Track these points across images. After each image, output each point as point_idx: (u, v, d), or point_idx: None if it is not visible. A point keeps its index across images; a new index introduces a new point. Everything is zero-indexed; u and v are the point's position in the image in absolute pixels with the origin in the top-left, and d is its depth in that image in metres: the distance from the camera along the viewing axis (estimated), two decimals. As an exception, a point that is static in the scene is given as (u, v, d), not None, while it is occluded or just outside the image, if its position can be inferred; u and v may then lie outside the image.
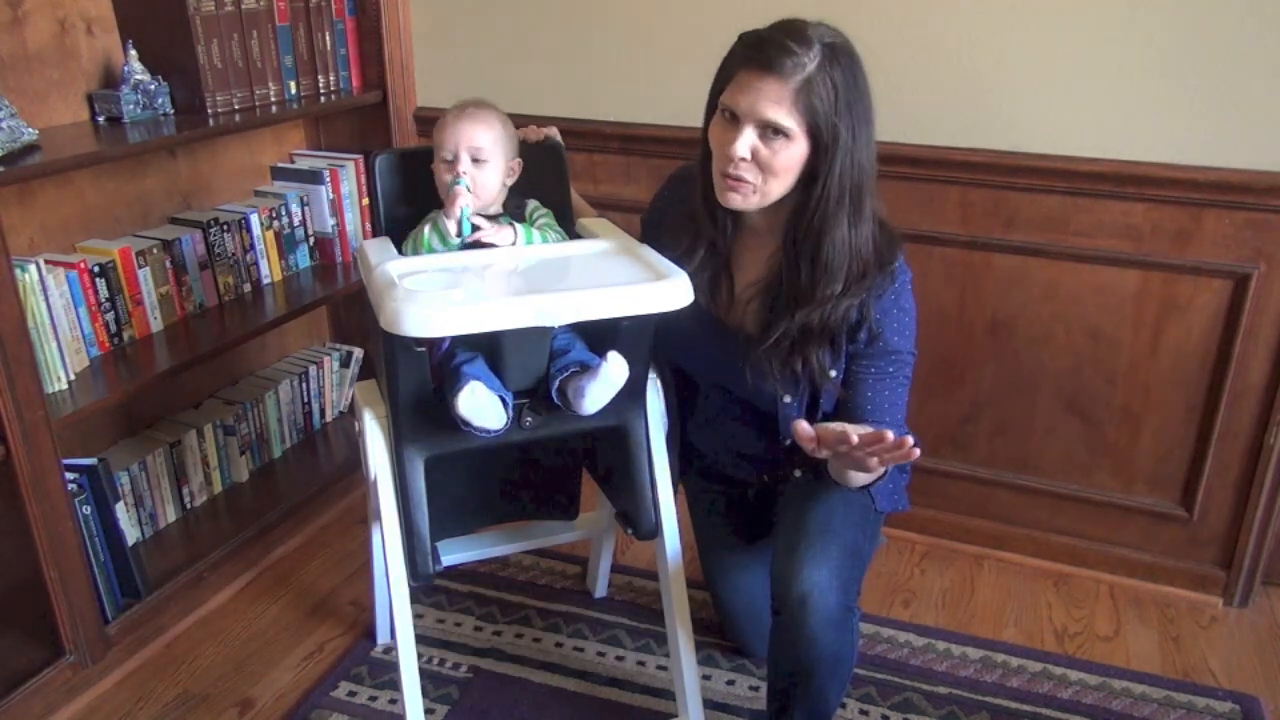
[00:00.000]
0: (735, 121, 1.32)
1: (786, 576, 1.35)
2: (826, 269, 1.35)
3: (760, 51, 1.28)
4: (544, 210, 1.52)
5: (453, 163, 1.41)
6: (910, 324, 1.44)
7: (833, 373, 1.43)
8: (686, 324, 1.28)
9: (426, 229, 1.43)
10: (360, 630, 1.88)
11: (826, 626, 1.33)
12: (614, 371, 1.29)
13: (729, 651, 1.82)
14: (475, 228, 1.40)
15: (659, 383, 1.55)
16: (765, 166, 1.32)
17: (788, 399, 1.45)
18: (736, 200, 1.36)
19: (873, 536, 1.51)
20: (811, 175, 1.32)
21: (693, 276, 1.33)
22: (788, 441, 1.48)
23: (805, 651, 1.35)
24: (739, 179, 1.34)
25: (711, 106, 1.38)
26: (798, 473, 1.52)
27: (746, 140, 1.31)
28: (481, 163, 1.42)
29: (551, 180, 1.59)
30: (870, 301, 1.38)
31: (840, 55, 1.29)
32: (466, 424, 1.28)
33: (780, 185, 1.34)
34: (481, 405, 1.28)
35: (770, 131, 1.29)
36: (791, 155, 1.30)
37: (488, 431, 1.31)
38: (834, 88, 1.27)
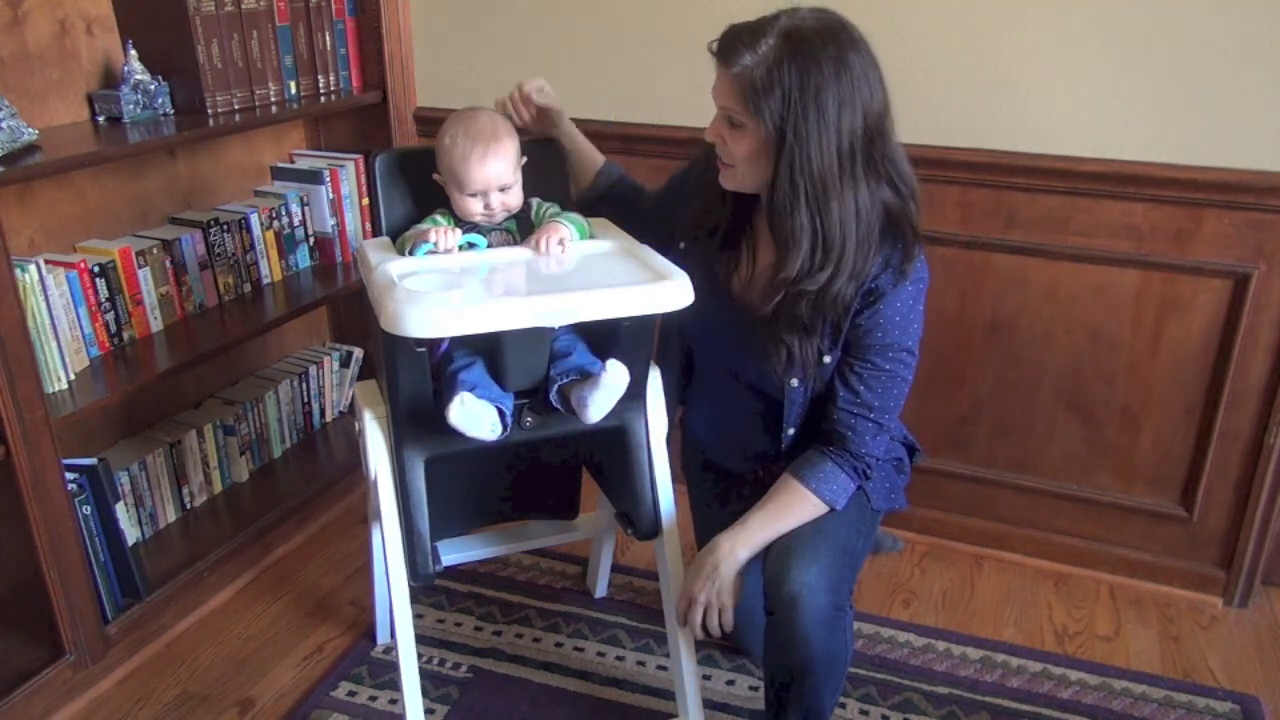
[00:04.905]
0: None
1: (777, 576, 1.36)
2: (785, 247, 1.35)
3: (719, 42, 1.33)
4: (548, 203, 1.52)
5: (478, 195, 1.44)
6: (915, 325, 1.43)
7: (826, 359, 1.42)
8: (704, 306, 1.28)
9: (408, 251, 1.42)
10: (360, 630, 1.88)
11: (817, 626, 1.33)
12: (614, 379, 1.30)
13: (729, 651, 1.82)
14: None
15: (659, 381, 1.55)
16: (729, 152, 1.37)
17: (794, 382, 1.45)
18: (725, 181, 1.41)
19: (867, 536, 1.51)
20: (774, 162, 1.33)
21: (717, 252, 1.40)
22: (790, 431, 1.49)
23: (797, 651, 1.35)
24: (721, 160, 1.40)
25: None
26: (790, 430, 1.50)
27: (715, 125, 1.37)
28: (508, 189, 1.45)
29: (552, 180, 1.59)
30: (880, 286, 1.37)
31: (801, 44, 1.25)
32: (460, 434, 1.29)
33: (745, 169, 1.37)
34: (473, 416, 1.28)
35: (729, 119, 1.34)
36: (747, 143, 1.33)
37: (482, 441, 1.31)
38: (783, 81, 1.25)
